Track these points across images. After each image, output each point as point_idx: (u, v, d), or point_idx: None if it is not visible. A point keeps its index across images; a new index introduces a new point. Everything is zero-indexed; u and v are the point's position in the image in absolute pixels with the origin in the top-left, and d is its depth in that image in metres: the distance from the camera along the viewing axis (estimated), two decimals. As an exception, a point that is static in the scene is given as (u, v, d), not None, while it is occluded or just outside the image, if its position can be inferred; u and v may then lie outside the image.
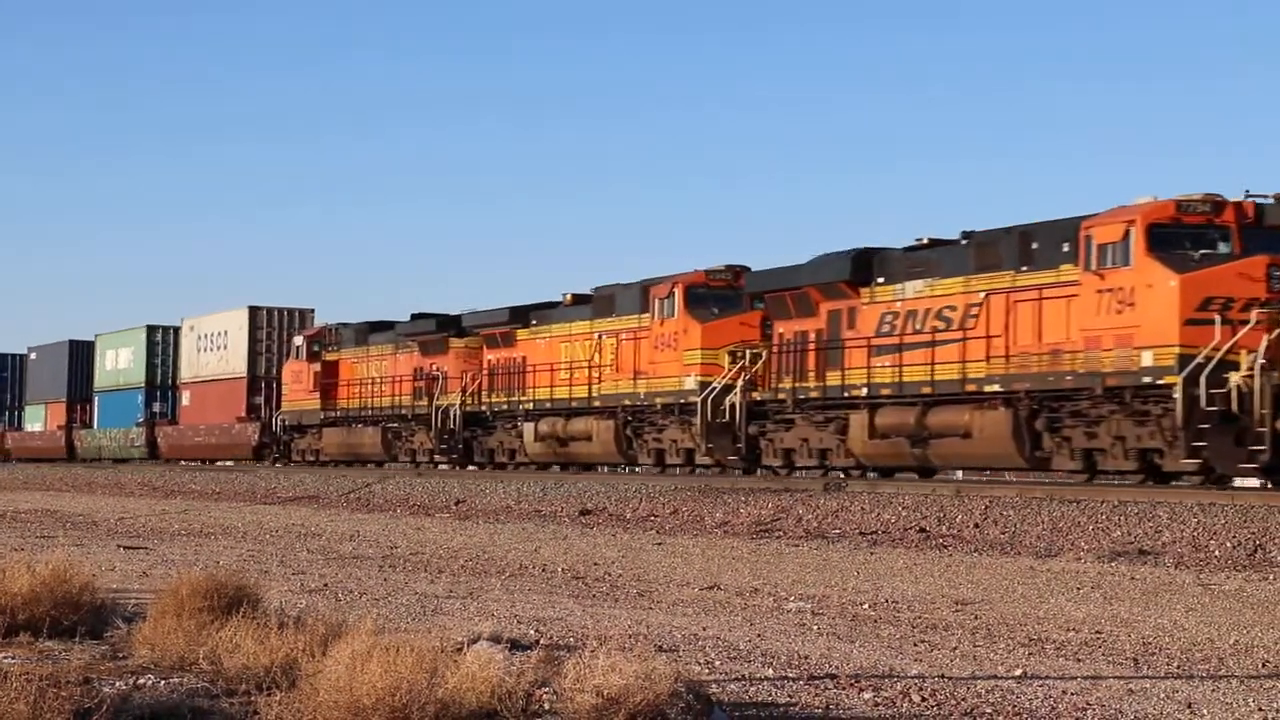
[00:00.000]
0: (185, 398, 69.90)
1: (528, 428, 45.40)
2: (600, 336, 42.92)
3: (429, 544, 25.96)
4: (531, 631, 13.61)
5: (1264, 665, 12.38)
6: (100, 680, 10.17)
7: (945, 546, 24.18)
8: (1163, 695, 10.76)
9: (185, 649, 10.96)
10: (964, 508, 26.85)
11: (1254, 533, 22.23)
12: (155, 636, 11.41)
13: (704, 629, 14.27)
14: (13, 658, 10.90)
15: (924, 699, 10.43)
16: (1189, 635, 14.23)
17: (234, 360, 65.58)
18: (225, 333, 66.31)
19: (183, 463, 69.62)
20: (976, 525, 25.72)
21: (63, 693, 8.53)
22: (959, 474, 39.18)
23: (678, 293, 39.35)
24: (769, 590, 18.30)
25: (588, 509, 32.45)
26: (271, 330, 65.17)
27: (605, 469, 46.34)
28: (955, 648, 13.21)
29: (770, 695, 10.54)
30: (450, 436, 48.34)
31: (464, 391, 47.96)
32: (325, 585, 18.19)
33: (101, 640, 12.11)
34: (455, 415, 48.15)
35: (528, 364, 45.68)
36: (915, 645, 13.33)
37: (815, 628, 14.62)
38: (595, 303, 43.54)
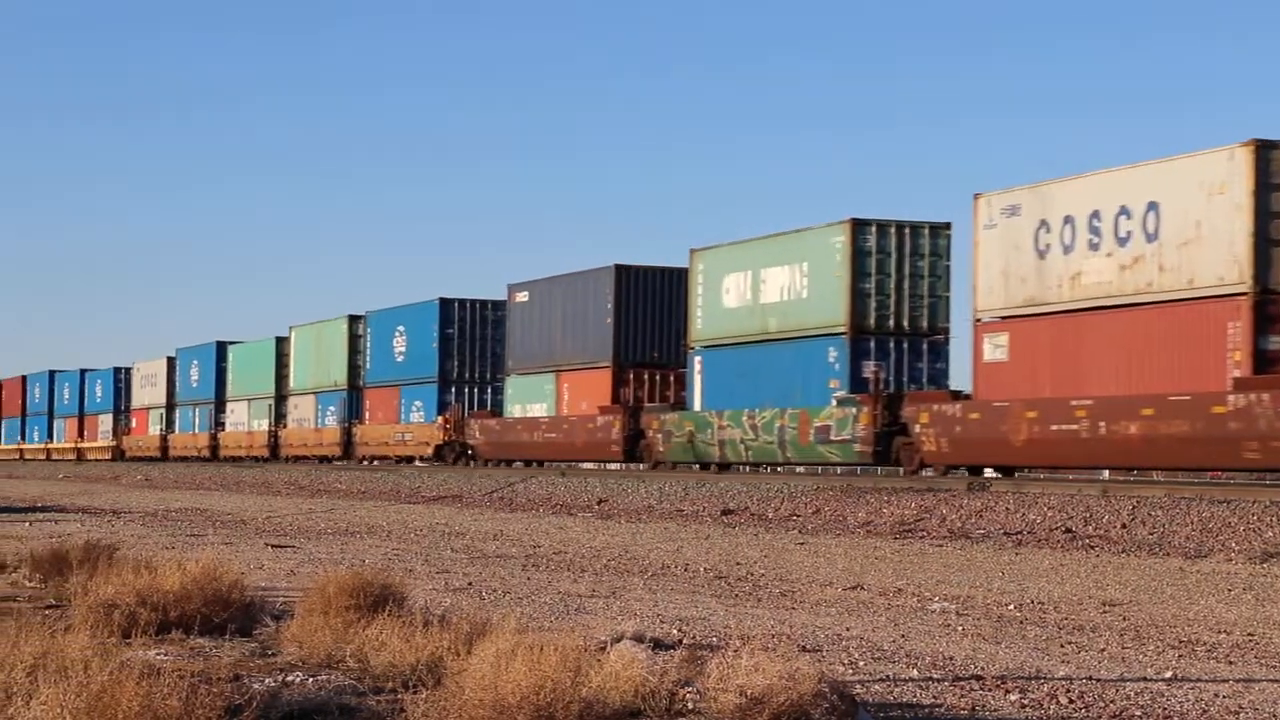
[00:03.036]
0: (995, 348, 36.72)
1: None
2: None
3: (572, 543, 26.06)
4: (674, 631, 13.61)
5: None
6: (250, 677, 10.30)
7: (1092, 547, 23.88)
8: (1318, 699, 10.56)
9: (332, 646, 11.09)
10: (1111, 508, 26.51)
11: None
12: (303, 634, 11.54)
13: (847, 629, 14.20)
14: (165, 654, 11.07)
15: (1071, 701, 10.30)
16: (1344, 638, 13.95)
17: (1192, 260, 31.97)
18: (1152, 208, 32.73)
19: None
20: (1124, 525, 25.38)
21: (214, 689, 8.64)
22: (1105, 473, 38.41)
23: None
24: (913, 590, 18.18)
25: (730, 509, 32.42)
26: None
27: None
28: (1103, 649, 13.04)
29: (915, 696, 10.47)
30: None
31: None
32: (469, 584, 18.31)
33: (250, 637, 12.27)
34: None
35: None
36: (1062, 646, 13.18)
37: (960, 628, 14.50)
38: None
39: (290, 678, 10.35)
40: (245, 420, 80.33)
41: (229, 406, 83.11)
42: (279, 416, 76.60)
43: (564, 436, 52.40)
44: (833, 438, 40.24)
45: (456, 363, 61.48)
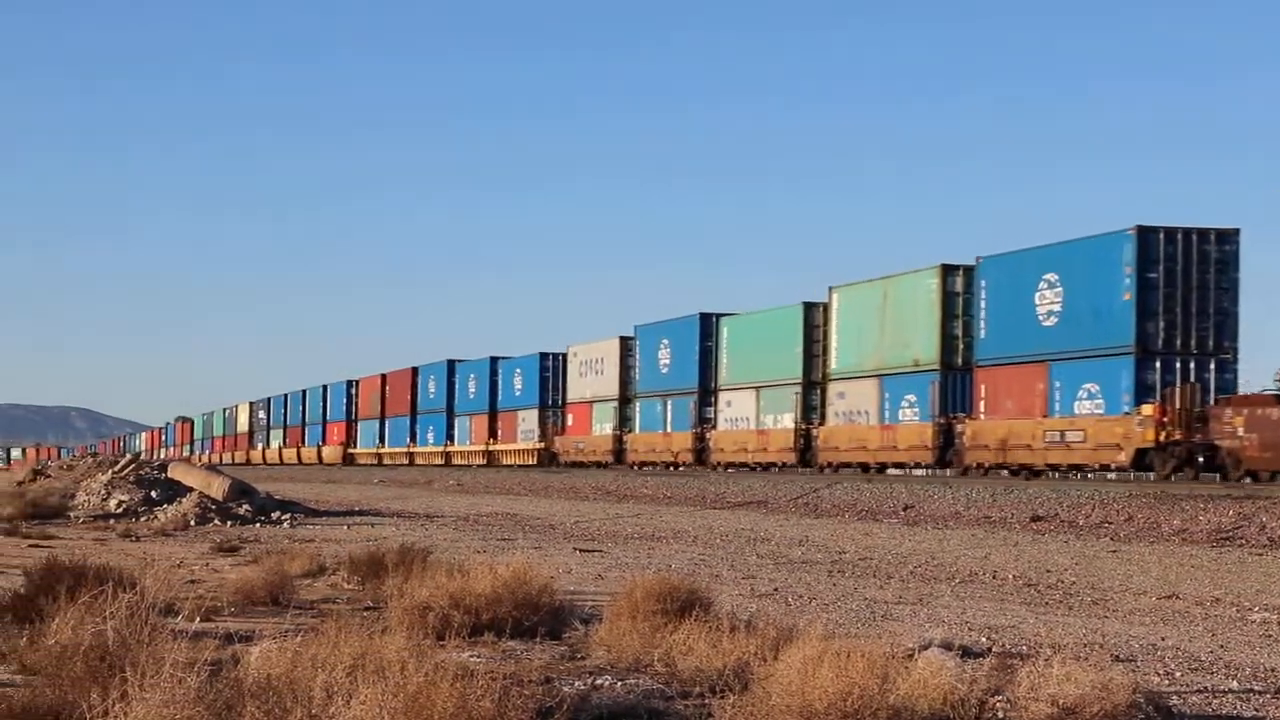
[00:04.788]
0: None
1: None
2: None
3: (877, 549, 25.91)
4: (982, 639, 13.45)
5: None
6: (560, 680, 10.46)
7: None
8: None
9: (640, 650, 11.19)
10: None
11: None
12: (611, 638, 11.68)
13: (1162, 639, 13.87)
14: (478, 656, 11.30)
15: (1402, 716, 9.91)
16: None
17: None
18: None
19: (635, 467, 59.19)
20: None
21: (525, 691, 8.80)
22: None
23: None
24: (1231, 600, 17.69)
25: (1039, 515, 31.91)
26: None
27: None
28: None
29: (1234, 709, 10.18)
30: None
31: None
32: (775, 589, 18.33)
33: (560, 641, 12.45)
34: None
35: None
36: (1391, 660, 12.69)
37: (1282, 639, 14.06)
38: None
39: (599, 681, 10.48)
40: (751, 414, 58.89)
41: (722, 397, 61.34)
42: (809, 410, 55.67)
43: None
44: None
45: (1163, 324, 41.24)
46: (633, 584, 12.83)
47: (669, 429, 65.28)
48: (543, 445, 77.50)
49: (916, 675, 9.20)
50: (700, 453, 62.17)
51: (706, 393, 62.85)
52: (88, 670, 9.01)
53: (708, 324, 63.33)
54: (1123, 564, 22.62)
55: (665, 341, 66.45)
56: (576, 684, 10.31)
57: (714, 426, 61.73)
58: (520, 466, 75.96)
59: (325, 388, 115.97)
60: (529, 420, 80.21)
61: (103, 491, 36.61)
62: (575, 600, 14.71)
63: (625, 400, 70.04)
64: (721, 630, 10.96)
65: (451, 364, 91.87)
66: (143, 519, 33.49)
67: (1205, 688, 10.98)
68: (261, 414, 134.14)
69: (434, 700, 8.06)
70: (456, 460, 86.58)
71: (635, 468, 65.21)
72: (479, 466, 79.85)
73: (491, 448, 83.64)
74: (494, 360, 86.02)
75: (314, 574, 18.22)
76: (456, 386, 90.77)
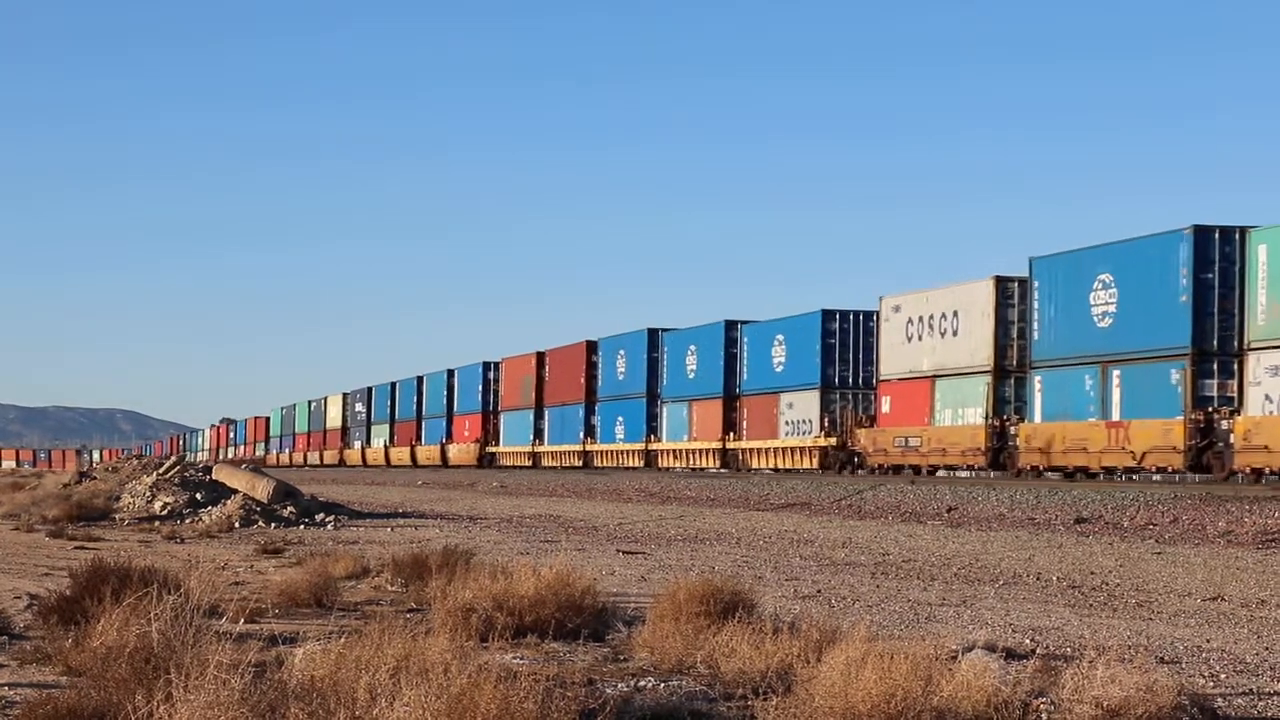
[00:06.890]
0: None
1: None
2: None
3: (921, 551, 25.86)
4: (1026, 640, 13.42)
5: None
6: (603, 682, 10.48)
7: None
8: None
9: (683, 652, 11.21)
10: None
11: None
12: (654, 640, 11.70)
13: (1208, 641, 13.81)
14: (521, 658, 11.33)
15: None
16: None
17: None
18: None
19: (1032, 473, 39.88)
20: None
21: (569, 693, 8.82)
22: None
23: None
24: (1277, 602, 17.60)
25: (1083, 517, 31.80)
26: None
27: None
28: None
29: (1281, 711, 10.13)
30: None
31: None
32: (818, 591, 18.31)
33: (603, 643, 12.48)
34: None
35: None
36: None
37: (1328, 642, 13.97)
38: None
39: (642, 683, 10.50)
40: None
41: (1257, 362, 36.81)
42: None
43: None
44: None
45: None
46: (676, 586, 12.85)
47: (1118, 414, 41.19)
48: (833, 441, 55.27)
49: (960, 677, 9.18)
50: (1200, 452, 38.29)
51: (1205, 355, 38.70)
52: (132, 672, 9.07)
53: (1207, 243, 38.40)
54: (1167, 566, 22.54)
55: (1104, 278, 42.04)
56: (619, 686, 10.33)
57: (1232, 410, 37.76)
58: (785, 472, 56.17)
59: (451, 373, 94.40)
60: (802, 406, 57.27)
61: (148, 494, 36.79)
62: (618, 602, 14.72)
63: (1003, 373, 47.03)
64: (764, 632, 10.97)
65: (654, 333, 69.76)
66: (187, 521, 33.66)
67: (1251, 690, 10.93)
68: (359, 406, 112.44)
69: (477, 702, 8.09)
70: (665, 462, 66.69)
71: (1032, 473, 44.45)
72: (713, 473, 59.44)
73: (732, 445, 61.90)
74: (731, 325, 62.90)
75: (358, 576, 18.28)
76: (664, 363, 68.56)
